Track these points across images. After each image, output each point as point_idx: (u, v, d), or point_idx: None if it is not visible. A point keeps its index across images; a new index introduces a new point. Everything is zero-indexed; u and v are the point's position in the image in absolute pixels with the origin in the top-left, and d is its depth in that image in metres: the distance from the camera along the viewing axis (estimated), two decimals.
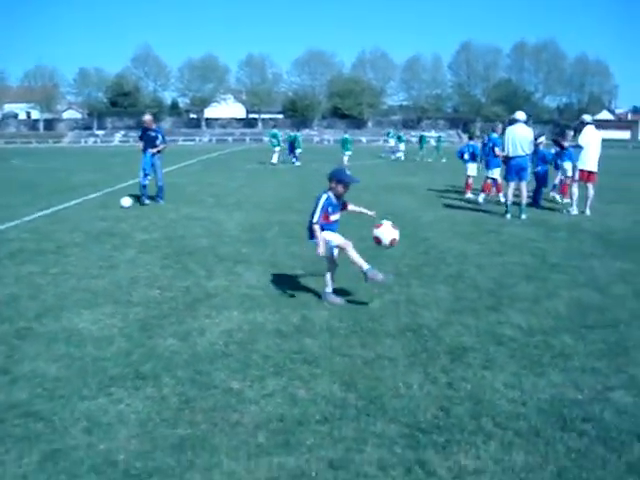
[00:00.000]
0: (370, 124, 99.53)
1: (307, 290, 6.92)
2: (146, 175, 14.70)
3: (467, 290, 6.93)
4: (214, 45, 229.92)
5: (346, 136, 33.04)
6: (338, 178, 6.34)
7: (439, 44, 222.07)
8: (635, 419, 4.00)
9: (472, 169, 17.55)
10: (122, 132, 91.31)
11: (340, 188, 6.34)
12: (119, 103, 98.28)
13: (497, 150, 15.43)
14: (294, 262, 8.22)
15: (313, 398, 4.23)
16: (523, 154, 13.14)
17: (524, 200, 13.04)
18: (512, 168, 13.30)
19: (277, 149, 31.96)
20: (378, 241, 6.56)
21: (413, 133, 69.23)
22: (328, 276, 6.58)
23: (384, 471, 3.37)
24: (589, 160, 13.62)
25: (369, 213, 6.87)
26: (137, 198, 14.62)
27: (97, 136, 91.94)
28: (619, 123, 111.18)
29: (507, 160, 13.58)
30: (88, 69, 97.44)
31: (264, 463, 3.44)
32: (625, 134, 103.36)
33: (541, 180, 15.62)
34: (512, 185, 13.26)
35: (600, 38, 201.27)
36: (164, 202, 14.75)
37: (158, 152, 14.94)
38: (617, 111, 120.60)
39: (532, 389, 4.40)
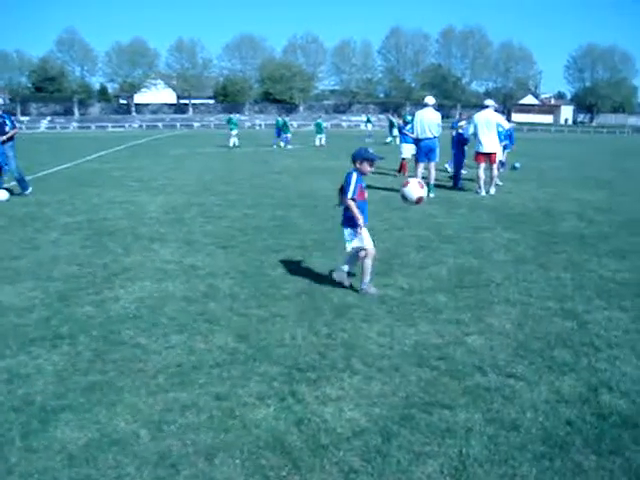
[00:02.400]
0: (302, 109, 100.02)
1: (217, 262, 7.53)
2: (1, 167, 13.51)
3: None
4: (142, 29, 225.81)
5: (319, 121, 36.36)
6: (363, 157, 6.32)
7: (369, 29, 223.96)
8: (480, 356, 4.82)
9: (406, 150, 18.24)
10: (49, 118, 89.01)
11: (366, 166, 6.33)
12: (44, 88, 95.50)
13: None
14: (208, 239, 8.81)
15: (209, 349, 4.90)
16: (431, 136, 14.08)
17: (432, 180, 13.96)
18: (421, 150, 14.26)
19: (234, 133, 33.24)
20: (405, 198, 6.91)
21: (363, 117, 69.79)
22: (366, 263, 6.38)
23: (261, 400, 4.06)
24: (482, 143, 14.50)
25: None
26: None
27: (21, 122, 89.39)
28: (543, 107, 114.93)
29: (417, 142, 14.52)
30: (8, 52, 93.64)
31: (161, 398, 4.08)
32: (548, 118, 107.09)
33: (458, 162, 16.53)
34: (421, 165, 14.18)
35: (524, 25, 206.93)
36: (30, 190, 13.82)
37: (8, 140, 13.59)
38: (542, 96, 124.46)
39: (401, 337, 5.18)
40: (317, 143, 34.43)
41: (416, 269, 7.30)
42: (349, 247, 6.35)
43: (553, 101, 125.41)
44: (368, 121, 48.50)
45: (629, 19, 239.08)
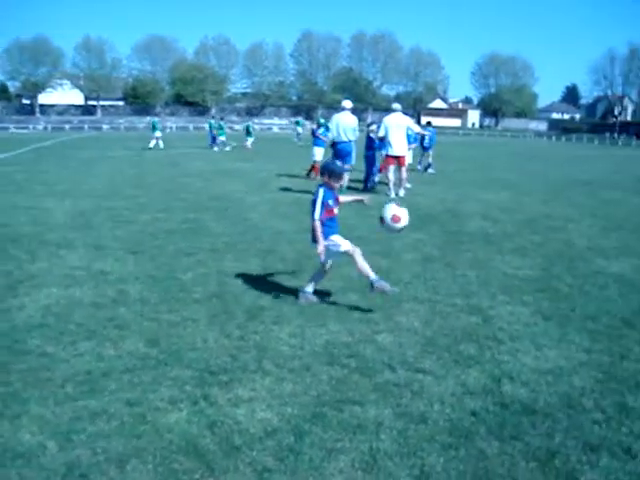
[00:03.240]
0: (214, 111, 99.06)
1: (127, 267, 7.39)
2: None
3: (275, 262, 7.74)
4: (46, 26, 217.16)
5: (248, 124, 37.72)
6: (329, 170, 6.04)
7: (281, 32, 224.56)
8: (390, 353, 4.95)
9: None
10: None
11: (333, 181, 6.01)
12: None
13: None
14: (118, 244, 8.62)
15: (119, 354, 4.80)
16: (346, 140, 14.28)
17: (345, 182, 14.16)
18: (337, 153, 14.44)
19: (157, 134, 33.75)
20: (396, 220, 6.23)
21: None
22: (315, 276, 6.35)
23: (173, 404, 4.02)
24: (392, 146, 14.78)
25: (359, 198, 6.56)
26: None
27: None
28: (451, 111, 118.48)
29: (333, 145, 14.72)
30: None
31: (69, 407, 3.97)
32: (456, 122, 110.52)
33: (370, 164, 16.74)
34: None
35: (433, 31, 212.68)
36: None
37: None
38: (450, 100, 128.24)
39: (312, 337, 5.24)
40: (248, 145, 34.49)
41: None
42: (320, 252, 5.94)
43: (461, 105, 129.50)
44: (298, 123, 48.67)
45: (529, 31, 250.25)
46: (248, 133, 35.56)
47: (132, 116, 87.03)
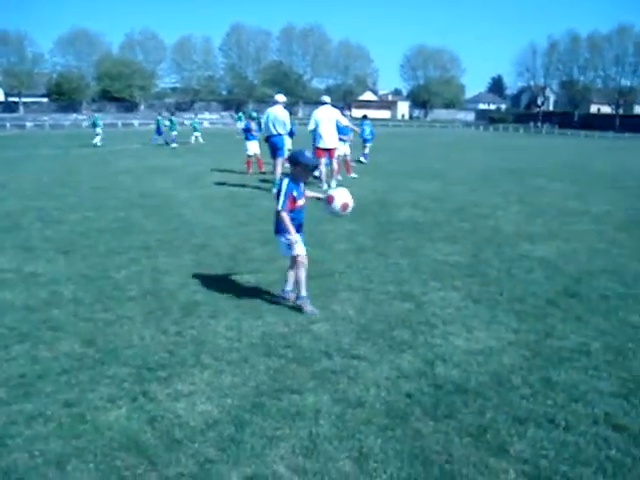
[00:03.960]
0: (142, 107, 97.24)
1: (58, 268, 7.25)
2: None
3: (209, 257, 7.74)
4: None
5: (195, 120, 38.43)
6: (297, 160, 5.73)
7: (209, 25, 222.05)
8: (326, 341, 5.05)
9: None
10: None
11: (300, 171, 5.74)
12: None
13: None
14: (48, 245, 8.42)
15: (55, 356, 4.74)
16: (276, 133, 14.31)
17: (277, 175, 14.22)
18: (270, 146, 14.49)
19: (98, 130, 33.26)
20: (330, 200, 5.89)
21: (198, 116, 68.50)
22: (289, 274, 6.05)
23: (113, 402, 4.01)
24: (323, 138, 14.78)
25: (322, 196, 6.11)
26: None
27: None
28: (381, 103, 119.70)
29: (266, 139, 14.75)
30: None
31: (3, 412, 3.90)
32: (386, 113, 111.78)
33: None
34: (279, 161, 14.43)
35: (361, 24, 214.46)
36: None
37: None
38: (380, 92, 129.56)
39: (248, 329, 5.30)
40: (192, 141, 35.60)
41: (262, 263, 7.45)
42: (292, 240, 5.63)
43: (390, 97, 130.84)
44: (239, 119, 47.98)
45: (455, 23, 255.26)
46: (195, 129, 36.75)
47: (57, 113, 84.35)
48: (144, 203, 12.07)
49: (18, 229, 9.61)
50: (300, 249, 5.77)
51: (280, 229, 5.76)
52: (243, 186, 15.08)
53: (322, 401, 4.04)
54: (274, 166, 14.52)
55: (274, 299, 6.09)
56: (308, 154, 5.83)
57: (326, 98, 15.34)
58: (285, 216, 5.62)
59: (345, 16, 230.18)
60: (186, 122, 34.93)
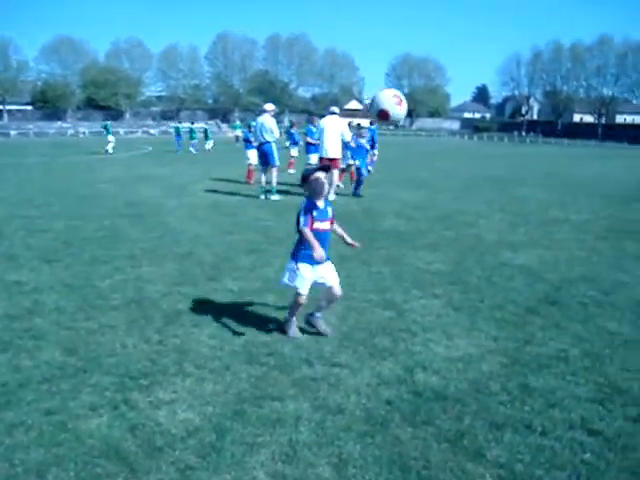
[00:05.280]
0: (128, 115, 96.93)
1: (42, 277, 7.25)
2: None
3: (193, 266, 7.76)
4: None
5: (206, 127, 41.86)
6: (304, 176, 5.30)
7: (195, 34, 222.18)
8: (307, 349, 5.10)
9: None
10: None
11: (309, 188, 5.22)
12: None
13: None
14: (31, 254, 8.41)
15: (37, 364, 4.74)
16: (264, 141, 14.41)
17: (274, 183, 14.35)
18: (260, 154, 14.61)
19: (110, 137, 33.87)
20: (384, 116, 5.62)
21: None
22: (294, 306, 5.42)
23: (94, 410, 4.03)
24: (326, 148, 14.73)
25: (349, 241, 5.55)
26: None
27: None
28: (367, 112, 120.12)
29: (257, 147, 14.89)
30: None
31: None
32: None
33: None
34: (269, 169, 14.51)
35: (347, 33, 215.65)
36: None
37: None
38: (366, 101, 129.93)
39: (231, 338, 5.33)
40: (207, 147, 37.51)
41: (246, 272, 7.49)
42: (317, 256, 5.04)
43: None
44: (235, 127, 48.70)
45: (440, 32, 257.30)
46: (206, 136, 38.21)
47: (41, 121, 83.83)
48: (130, 212, 12.07)
49: (1, 237, 9.58)
50: (303, 288, 5.26)
51: (295, 254, 5.31)
52: (230, 195, 15.12)
53: (302, 408, 4.09)
54: (264, 173, 14.62)
55: (257, 307, 6.13)
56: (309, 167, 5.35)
57: (334, 109, 15.34)
58: (307, 231, 5.09)
59: (331, 25, 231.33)
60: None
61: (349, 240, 5.53)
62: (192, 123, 40.58)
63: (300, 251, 5.24)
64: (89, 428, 3.82)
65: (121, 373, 4.59)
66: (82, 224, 10.64)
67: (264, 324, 5.68)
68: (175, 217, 11.47)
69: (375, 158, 21.10)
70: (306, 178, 5.23)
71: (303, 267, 5.23)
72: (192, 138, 36.50)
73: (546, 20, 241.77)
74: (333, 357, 4.94)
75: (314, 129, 17.60)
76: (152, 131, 50.04)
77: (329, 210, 5.34)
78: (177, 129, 38.15)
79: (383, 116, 5.11)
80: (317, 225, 5.17)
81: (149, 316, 5.85)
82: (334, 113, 15.00)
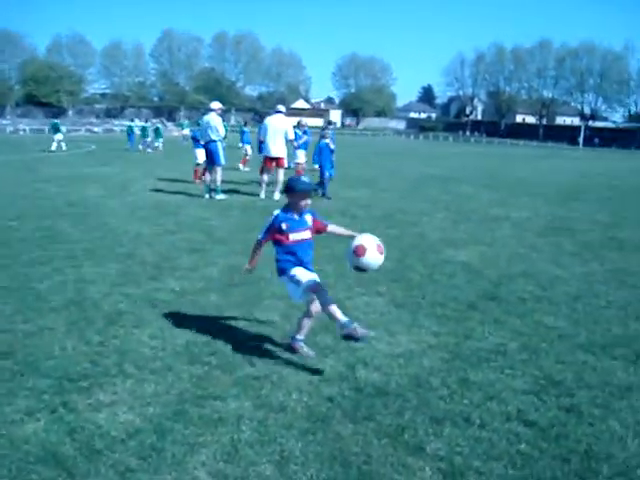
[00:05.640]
0: (71, 113, 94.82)
1: None
2: None
3: (134, 265, 7.66)
4: None
5: (158, 125, 39.84)
6: (293, 189, 4.95)
7: (140, 31, 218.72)
8: (250, 348, 5.09)
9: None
10: None
11: (298, 199, 4.93)
12: None
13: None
14: None
15: None
16: (209, 140, 14.34)
17: (218, 182, 14.26)
18: (206, 153, 14.55)
19: (59, 136, 33.69)
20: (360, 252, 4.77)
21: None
22: (304, 322, 5.08)
23: (30, 415, 3.94)
24: (270, 147, 14.80)
25: (354, 234, 5.16)
26: None
27: None
28: (314, 111, 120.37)
29: (204, 146, 14.81)
30: None
31: None
32: (319, 121, 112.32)
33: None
34: (213, 169, 14.41)
35: (294, 32, 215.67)
36: None
37: None
38: (313, 100, 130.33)
39: (172, 338, 5.29)
40: (156, 145, 36.60)
41: (188, 271, 7.44)
42: (247, 267, 5.13)
43: (323, 105, 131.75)
44: (182, 126, 47.70)
45: (386, 33, 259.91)
46: (157, 135, 37.08)
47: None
48: (70, 211, 11.83)
49: None
50: (310, 279, 4.89)
51: (282, 269, 5.00)
52: (174, 194, 14.96)
53: (244, 407, 4.09)
54: (209, 172, 14.53)
55: (199, 307, 6.10)
56: (305, 179, 5.10)
57: (281, 107, 15.32)
58: (256, 245, 5.11)
59: (278, 24, 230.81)
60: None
61: (354, 233, 5.17)
62: (146, 121, 40.65)
63: (283, 263, 4.99)
64: (25, 433, 3.73)
65: (60, 375, 4.50)
66: (20, 225, 10.36)
67: (206, 324, 5.65)
68: (117, 217, 11.29)
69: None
70: (293, 191, 4.93)
71: (296, 270, 4.91)
72: (144, 136, 36.30)
73: (489, 22, 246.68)
74: (275, 356, 4.96)
75: (299, 132, 17.72)
76: (96, 129, 49.07)
77: (307, 219, 5.05)
78: (130, 128, 37.97)
79: (359, 252, 4.68)
80: (293, 237, 4.94)
81: (89, 317, 5.75)
82: (279, 112, 14.99)
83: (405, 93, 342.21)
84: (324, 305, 4.67)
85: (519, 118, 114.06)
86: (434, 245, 9.43)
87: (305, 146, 17.95)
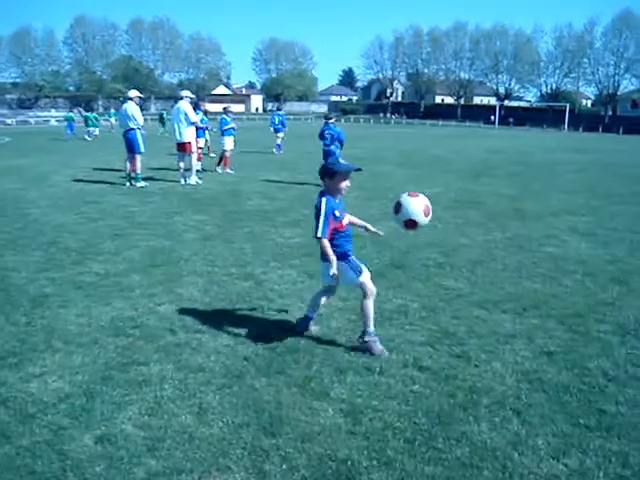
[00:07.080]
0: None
1: None
2: None
3: (58, 253, 7.87)
4: None
5: (95, 114, 39.46)
6: (332, 171, 4.78)
7: (49, 16, 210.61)
8: (171, 320, 5.50)
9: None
10: None
11: (338, 181, 4.78)
12: None
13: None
14: None
15: None
16: (127, 128, 14.41)
17: (138, 170, 14.35)
18: (125, 142, 14.55)
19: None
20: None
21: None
22: (322, 300, 5.28)
23: None
24: (175, 133, 15.12)
25: (372, 230, 5.32)
26: None
27: None
28: (235, 97, 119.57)
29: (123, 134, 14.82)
30: None
31: None
32: (240, 107, 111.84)
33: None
34: (133, 157, 14.47)
35: (212, 18, 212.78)
36: None
37: None
38: (234, 86, 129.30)
39: (98, 315, 5.61)
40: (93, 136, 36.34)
41: (111, 255, 7.74)
42: (333, 273, 4.68)
43: (244, 91, 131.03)
44: (110, 115, 46.02)
45: (305, 16, 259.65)
46: (87, 123, 36.91)
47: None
48: None
49: None
50: (364, 276, 4.94)
51: (342, 254, 4.86)
52: (94, 183, 14.98)
53: (166, 369, 4.49)
54: (129, 161, 14.59)
55: (123, 286, 6.42)
56: (343, 161, 5.08)
57: (184, 92, 15.51)
58: (326, 244, 4.72)
59: (196, 10, 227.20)
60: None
61: (372, 229, 5.31)
62: (87, 110, 40.88)
63: (342, 248, 4.89)
64: None
65: None
66: None
67: (130, 301, 5.99)
68: (38, 207, 11.34)
69: (279, 141, 22.03)
70: (334, 174, 4.78)
71: (354, 258, 4.99)
72: (88, 125, 36.45)
73: (406, 4, 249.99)
74: (195, 325, 5.36)
75: (228, 119, 17.77)
76: (8, 121, 47.42)
77: (342, 202, 4.96)
78: (70, 117, 38.72)
79: (410, 225, 5.08)
80: (343, 223, 4.88)
81: (15, 301, 5.98)
82: (182, 98, 15.16)
83: (326, 77, 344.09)
84: (370, 298, 4.91)
85: (438, 99, 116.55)
86: None
87: (231, 132, 18.12)
